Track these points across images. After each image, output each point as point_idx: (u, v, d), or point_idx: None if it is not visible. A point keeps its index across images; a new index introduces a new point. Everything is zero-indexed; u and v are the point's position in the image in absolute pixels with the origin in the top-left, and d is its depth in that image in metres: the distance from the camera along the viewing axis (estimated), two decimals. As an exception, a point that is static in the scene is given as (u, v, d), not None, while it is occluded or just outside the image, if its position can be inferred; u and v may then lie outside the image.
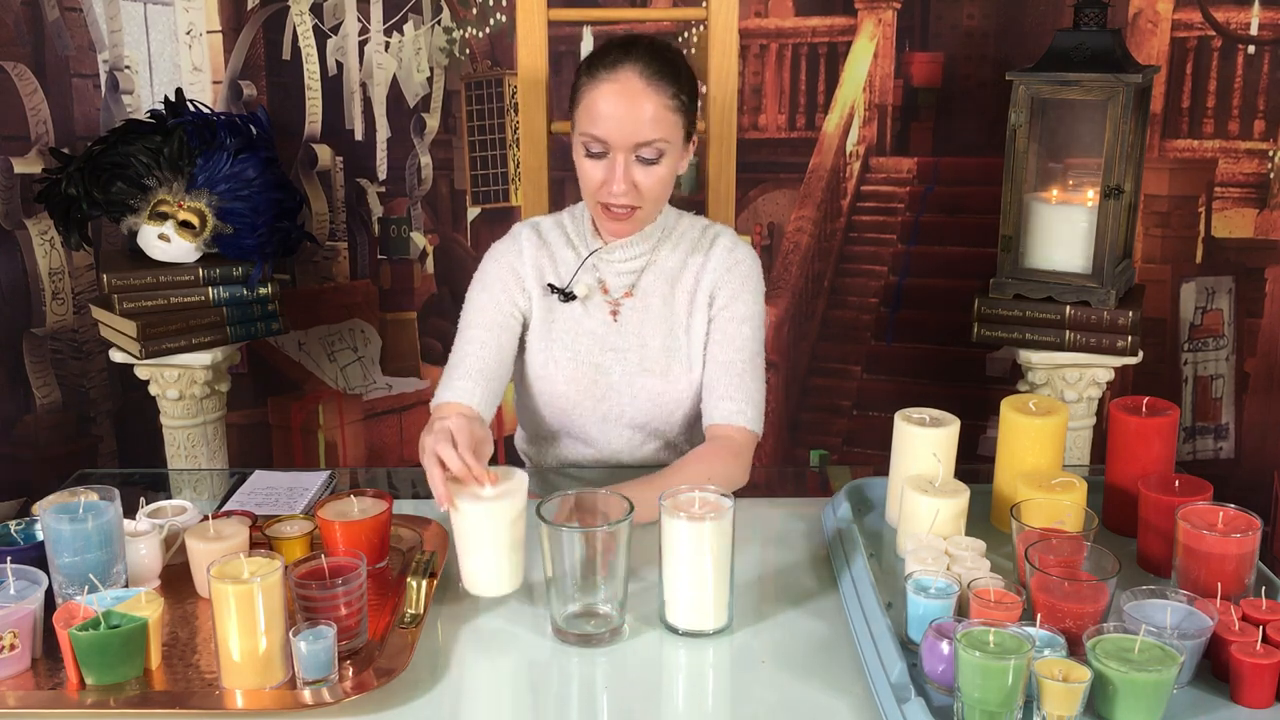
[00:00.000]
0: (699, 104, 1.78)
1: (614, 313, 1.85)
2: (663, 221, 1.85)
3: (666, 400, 1.85)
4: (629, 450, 1.89)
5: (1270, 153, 2.55)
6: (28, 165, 2.57)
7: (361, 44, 2.58)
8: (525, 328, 1.87)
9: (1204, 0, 2.49)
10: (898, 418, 1.60)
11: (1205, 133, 2.56)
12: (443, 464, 1.42)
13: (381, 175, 2.65)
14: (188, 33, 2.56)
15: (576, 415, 1.87)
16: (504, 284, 1.85)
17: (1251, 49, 2.50)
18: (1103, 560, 1.34)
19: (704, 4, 2.54)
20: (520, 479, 1.46)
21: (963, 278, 2.59)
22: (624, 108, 1.68)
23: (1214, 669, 1.28)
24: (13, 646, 1.31)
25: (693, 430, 1.90)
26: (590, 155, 1.73)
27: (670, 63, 1.72)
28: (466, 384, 1.78)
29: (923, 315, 2.69)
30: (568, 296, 1.83)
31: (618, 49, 1.72)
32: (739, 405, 1.79)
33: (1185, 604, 1.29)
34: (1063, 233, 2.28)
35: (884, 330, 2.71)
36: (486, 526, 1.42)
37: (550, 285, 1.84)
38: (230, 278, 2.36)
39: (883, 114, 2.60)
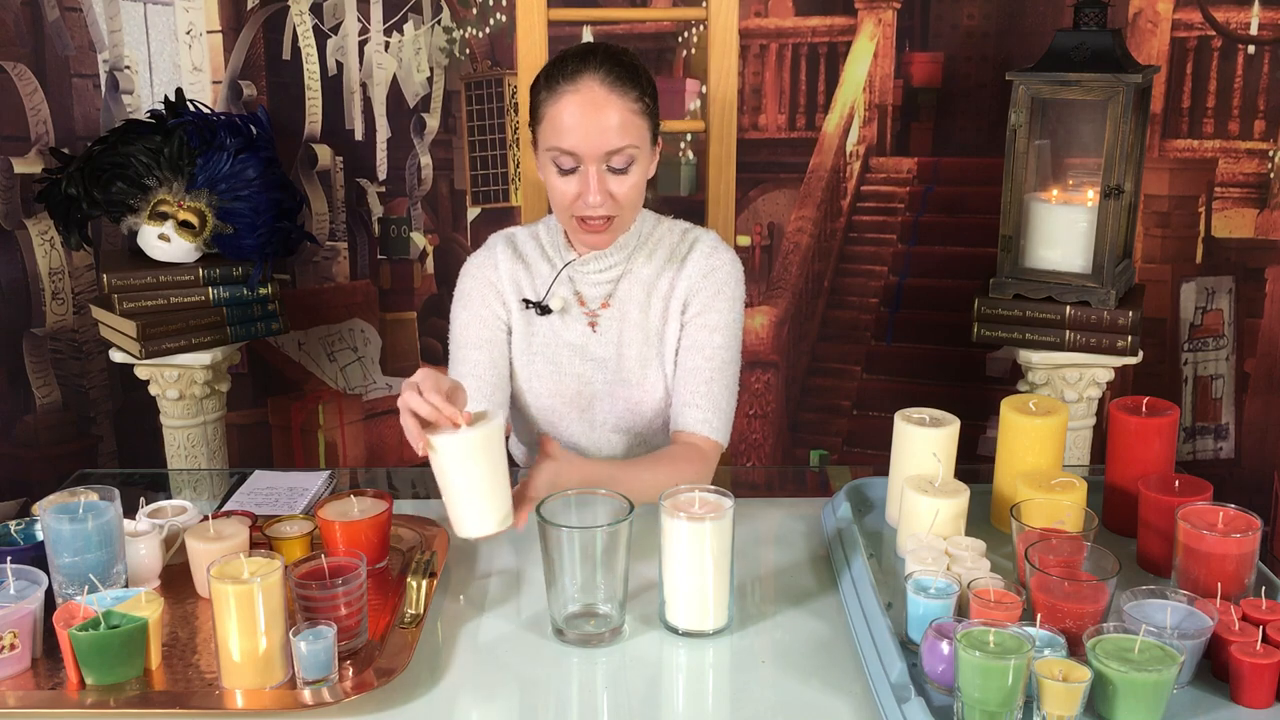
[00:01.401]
0: (659, 105, 1.76)
1: (592, 324, 1.83)
2: (638, 229, 1.82)
3: (645, 409, 1.84)
4: (620, 455, 1.89)
5: (1270, 153, 2.55)
6: (28, 165, 2.57)
7: (361, 44, 2.58)
8: (510, 338, 1.86)
9: (1204, 0, 2.49)
10: (898, 418, 1.60)
11: (1205, 133, 2.56)
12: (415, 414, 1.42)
13: (381, 175, 2.65)
14: (188, 33, 2.56)
15: (563, 424, 1.87)
16: (483, 298, 1.84)
17: (1251, 49, 2.50)
18: (1103, 560, 1.34)
19: (704, 4, 2.54)
20: (496, 415, 1.46)
21: (963, 278, 2.59)
22: (589, 117, 1.65)
23: (1214, 669, 1.28)
24: (13, 646, 1.31)
25: None
26: (561, 171, 1.69)
27: (630, 67, 1.69)
28: (469, 406, 1.77)
29: (923, 315, 2.69)
30: (544, 310, 1.83)
31: (575, 59, 1.68)
32: (704, 414, 1.77)
33: (1185, 604, 1.29)
34: (1063, 233, 2.28)
35: (884, 330, 2.71)
36: (461, 458, 1.41)
37: (526, 300, 1.83)
38: (230, 278, 2.36)
39: (883, 114, 2.60)
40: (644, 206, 1.87)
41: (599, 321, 1.84)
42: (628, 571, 1.42)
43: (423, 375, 1.43)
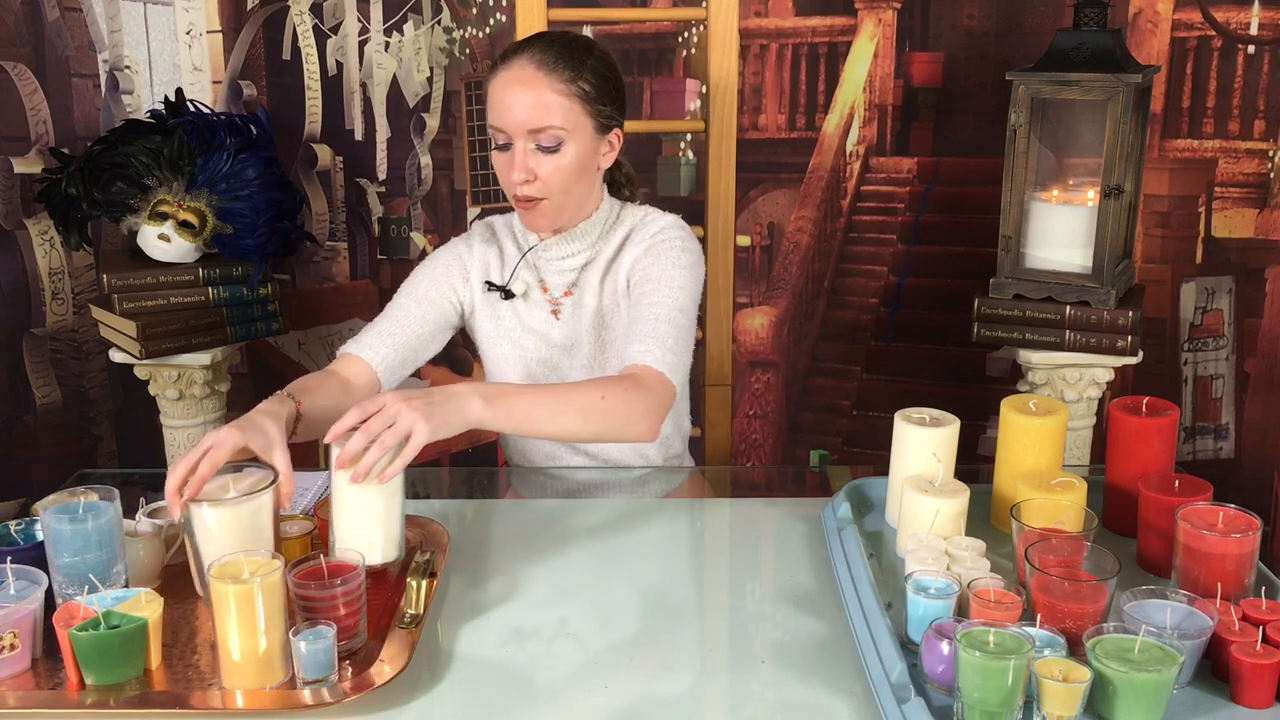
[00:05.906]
0: (617, 93, 1.79)
1: (554, 311, 1.86)
2: (601, 218, 1.85)
3: None
4: (602, 444, 1.89)
5: (1270, 153, 2.55)
6: (28, 165, 2.57)
7: (361, 44, 2.58)
8: (461, 319, 1.90)
9: (1204, 0, 2.49)
10: (898, 418, 1.60)
11: (1205, 133, 2.56)
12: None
13: (381, 175, 2.65)
14: (188, 33, 2.56)
15: None
16: (447, 270, 1.89)
17: (1251, 49, 2.50)
18: (1103, 560, 1.34)
19: (704, 4, 2.54)
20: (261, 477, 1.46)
21: (963, 278, 2.59)
22: (514, 94, 1.71)
23: (1214, 669, 1.28)
24: (13, 646, 1.31)
25: None
26: (498, 148, 1.75)
27: (572, 51, 1.73)
28: (376, 342, 1.80)
29: (923, 315, 2.69)
30: (506, 294, 1.86)
31: (517, 44, 1.76)
32: (646, 346, 1.69)
33: (1185, 604, 1.29)
34: (1063, 233, 2.28)
35: (884, 330, 2.71)
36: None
37: (489, 283, 1.87)
38: (230, 278, 2.36)
39: (883, 114, 2.60)
40: (636, 202, 1.88)
41: (561, 309, 1.86)
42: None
43: (225, 434, 1.48)
